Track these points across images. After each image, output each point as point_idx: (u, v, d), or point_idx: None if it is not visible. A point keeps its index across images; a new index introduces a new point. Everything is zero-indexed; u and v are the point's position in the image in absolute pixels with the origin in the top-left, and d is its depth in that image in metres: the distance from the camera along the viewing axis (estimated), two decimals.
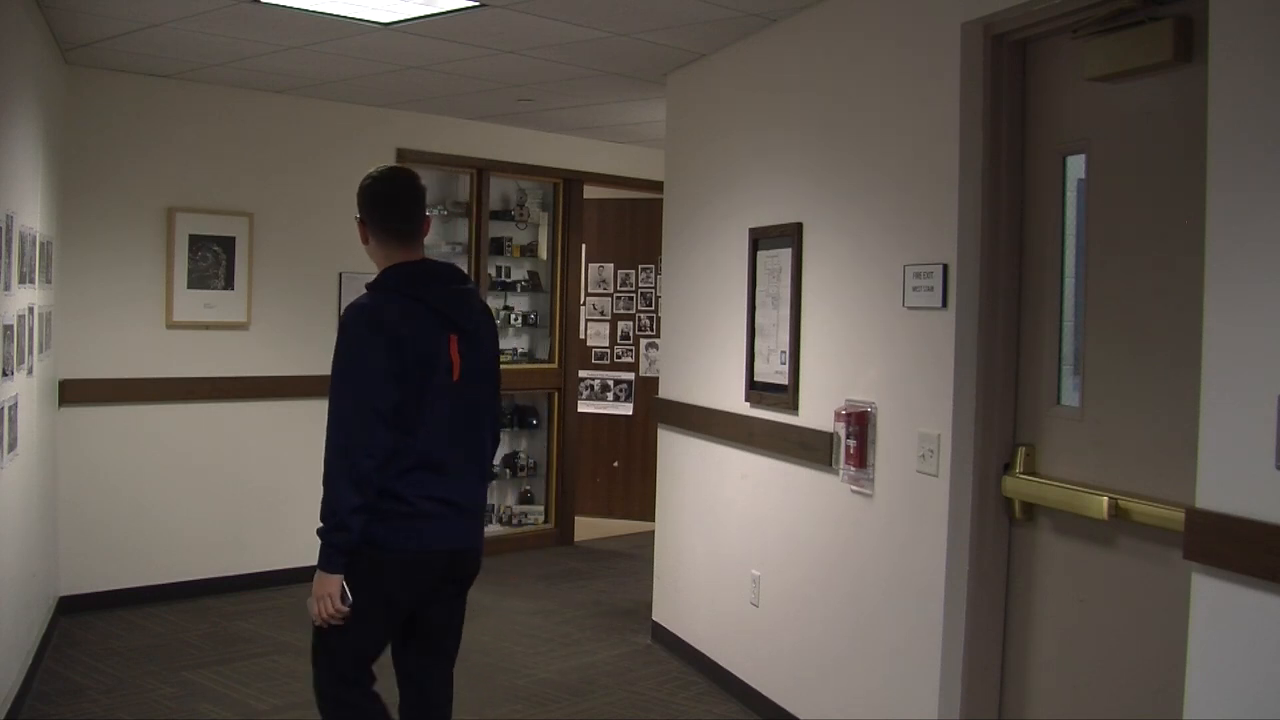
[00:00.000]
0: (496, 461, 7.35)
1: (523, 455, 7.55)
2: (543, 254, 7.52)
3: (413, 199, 2.83)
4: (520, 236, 7.46)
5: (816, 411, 3.93)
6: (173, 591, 5.64)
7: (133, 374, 5.56)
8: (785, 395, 4.13)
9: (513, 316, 7.42)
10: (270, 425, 5.93)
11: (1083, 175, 3.02)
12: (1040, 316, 3.15)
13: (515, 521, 7.41)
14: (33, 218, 4.19)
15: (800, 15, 4.11)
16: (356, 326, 2.66)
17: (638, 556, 6.78)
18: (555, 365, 7.47)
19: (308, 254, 6.02)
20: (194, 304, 5.72)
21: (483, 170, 6.95)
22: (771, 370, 4.25)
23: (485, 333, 2.88)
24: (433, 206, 7.00)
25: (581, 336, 8.03)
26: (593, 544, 7.50)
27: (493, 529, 7.25)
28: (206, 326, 5.77)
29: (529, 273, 7.52)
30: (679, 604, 5.07)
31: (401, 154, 6.45)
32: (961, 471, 3.22)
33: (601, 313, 8.34)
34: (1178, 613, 2.46)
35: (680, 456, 5.10)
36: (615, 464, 8.24)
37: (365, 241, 2.84)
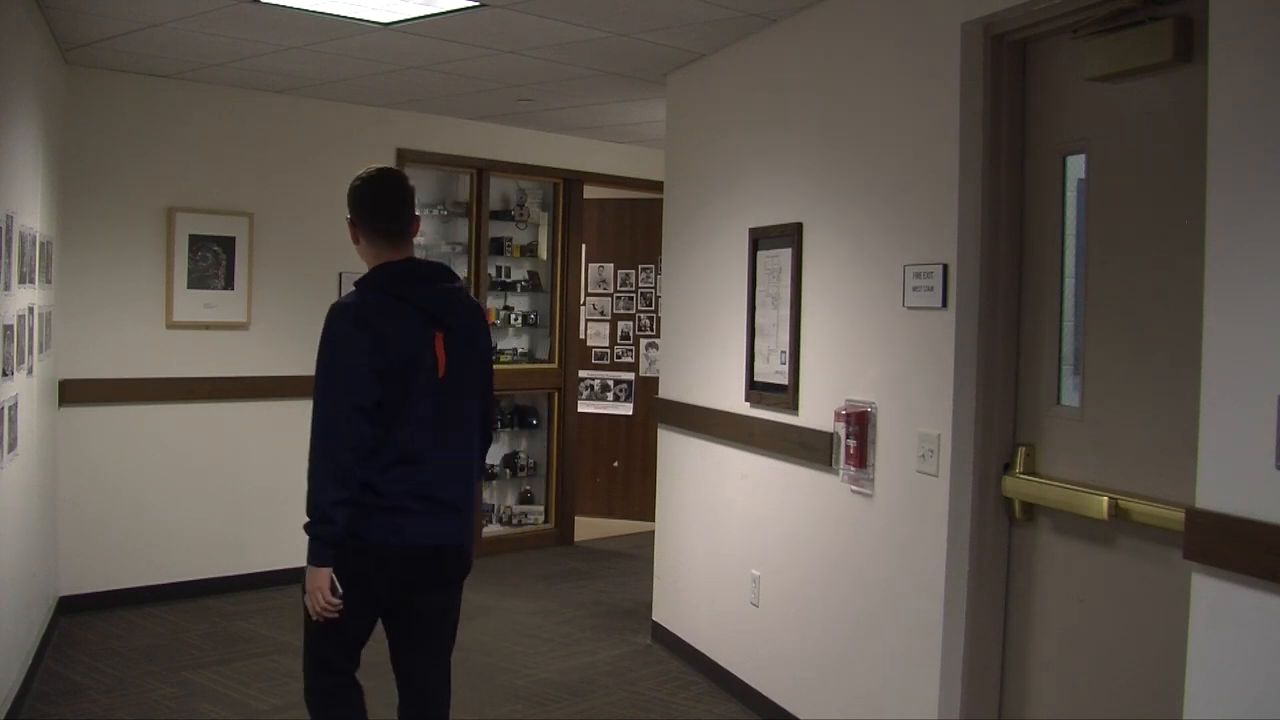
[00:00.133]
0: (496, 461, 7.37)
1: (523, 455, 7.54)
2: (543, 254, 7.52)
3: (401, 199, 2.88)
4: (520, 236, 7.46)
5: (816, 411, 3.93)
6: (173, 591, 5.64)
7: (133, 374, 5.56)
8: (785, 395, 4.13)
9: (513, 316, 7.42)
10: (270, 425, 5.93)
11: (1083, 175, 3.02)
12: (1040, 316, 3.15)
13: (515, 521, 7.41)
14: (33, 218, 4.19)
15: (800, 15, 4.11)
16: (339, 324, 2.71)
17: (638, 556, 6.78)
18: (555, 365, 7.47)
19: (308, 254, 6.03)
20: (194, 304, 5.72)
21: (483, 170, 6.95)
22: (771, 370, 4.25)
23: (473, 331, 2.90)
24: (433, 206, 7.01)
25: (581, 336, 8.03)
26: (593, 544, 7.50)
27: (493, 529, 7.25)
28: (206, 326, 5.77)
29: (529, 273, 7.52)
30: (679, 604, 5.07)
31: (401, 154, 6.45)
32: (961, 471, 3.22)
33: (601, 313, 8.35)
34: (1178, 613, 2.46)
35: (680, 456, 5.10)
36: (615, 464, 8.24)
37: (356, 241, 2.89)
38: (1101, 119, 2.94)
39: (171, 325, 5.66)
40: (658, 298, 7.92)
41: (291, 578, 5.58)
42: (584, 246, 7.84)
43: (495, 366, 7.76)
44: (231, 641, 5.03)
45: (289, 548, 5.72)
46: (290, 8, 4.24)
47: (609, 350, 8.33)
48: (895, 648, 3.47)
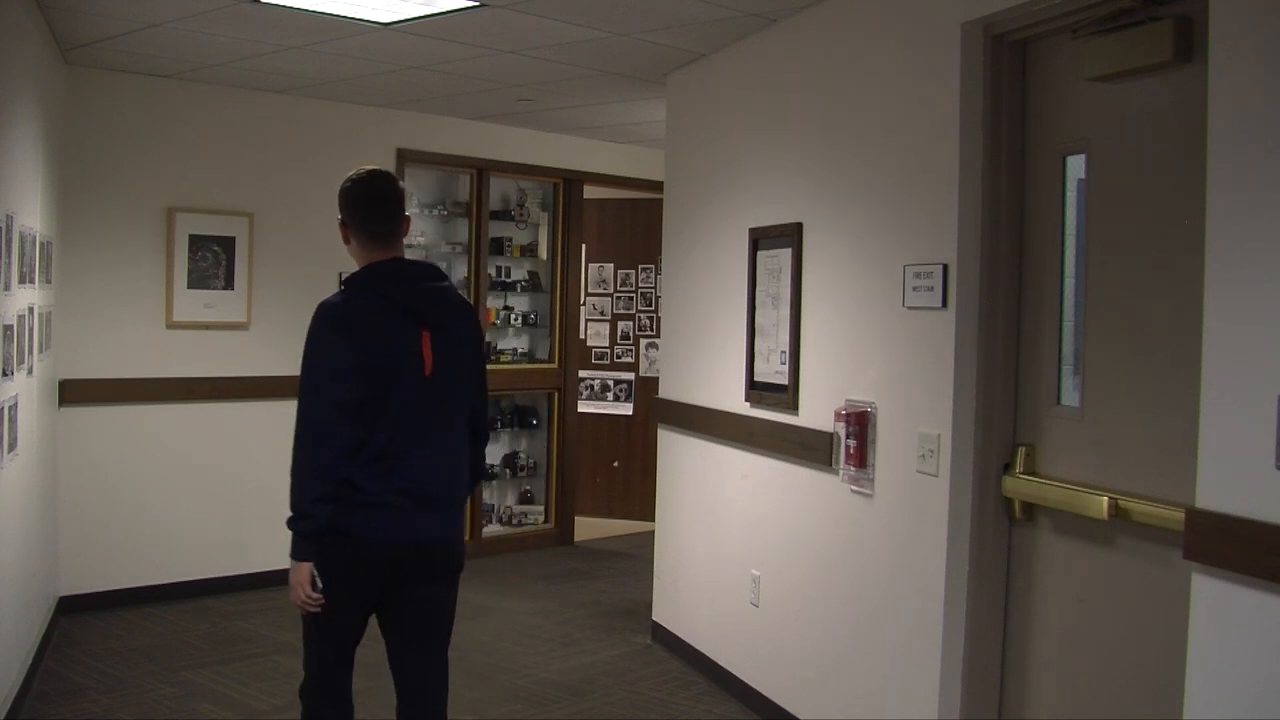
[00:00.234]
0: (496, 461, 7.36)
1: (523, 455, 7.54)
2: (543, 254, 7.52)
3: (391, 201, 2.90)
4: (520, 236, 7.46)
5: (816, 411, 3.93)
6: (173, 591, 5.64)
7: (133, 374, 5.56)
8: (785, 395, 4.13)
9: (513, 316, 7.42)
10: (270, 425, 5.91)
11: (1083, 175, 3.02)
12: (1040, 316, 3.15)
13: (515, 521, 7.41)
14: (33, 218, 4.19)
15: (800, 15, 4.11)
16: (322, 324, 2.76)
17: (638, 556, 6.78)
18: (555, 365, 7.47)
19: (308, 254, 6.02)
20: (194, 304, 5.72)
21: (483, 170, 6.95)
22: (771, 370, 4.25)
23: (461, 329, 2.91)
24: (433, 206, 7.01)
25: (581, 336, 8.03)
26: (593, 544, 7.50)
27: (493, 529, 7.25)
28: (206, 326, 5.77)
29: (529, 273, 7.52)
30: (679, 604, 5.07)
31: (401, 154, 6.45)
32: (961, 471, 3.22)
33: (601, 313, 8.34)
34: (1178, 613, 2.46)
35: (680, 456, 5.10)
36: (615, 464, 8.24)
37: (347, 242, 2.92)
38: (1101, 119, 2.94)
39: (171, 325, 5.66)
40: (658, 298, 7.92)
41: None
42: (584, 246, 7.84)
43: (496, 366, 7.79)
44: (231, 641, 5.03)
45: (289, 548, 5.74)
46: (290, 8, 4.24)
47: (609, 350, 8.33)
48: (895, 648, 3.47)
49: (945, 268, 3.26)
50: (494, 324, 7.27)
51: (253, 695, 4.37)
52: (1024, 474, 3.15)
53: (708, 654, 4.74)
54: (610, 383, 8.30)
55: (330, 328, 2.75)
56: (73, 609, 5.31)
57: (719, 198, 4.73)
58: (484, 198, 6.99)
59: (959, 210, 3.22)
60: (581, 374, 7.98)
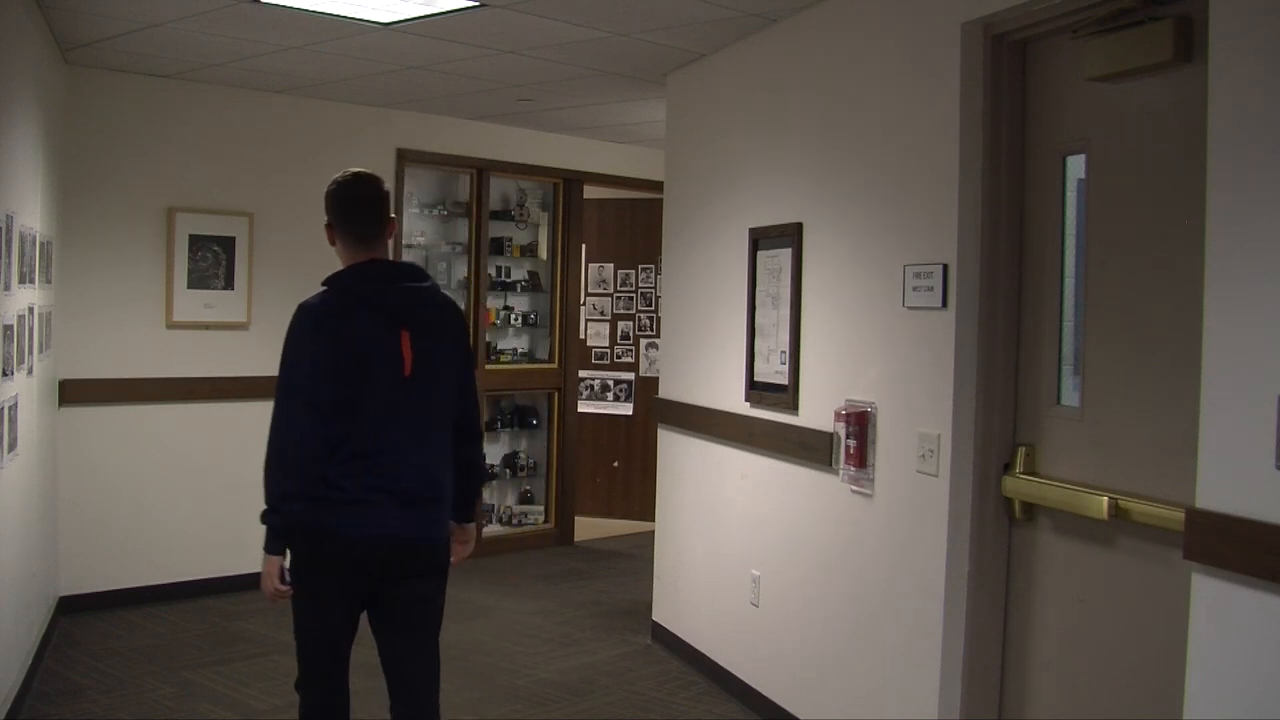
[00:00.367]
0: (496, 461, 7.36)
1: (523, 455, 7.55)
2: (543, 254, 7.52)
3: (375, 203, 2.91)
4: (520, 236, 7.46)
5: (816, 411, 3.93)
6: (173, 591, 5.64)
7: (133, 374, 5.56)
8: (785, 395, 4.13)
9: (513, 316, 7.42)
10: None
11: (1083, 175, 3.02)
12: (1040, 316, 3.15)
13: (515, 521, 7.41)
14: (33, 218, 4.19)
15: (800, 15, 4.11)
16: (298, 325, 2.81)
17: (638, 556, 6.78)
18: (555, 365, 7.47)
19: (308, 254, 5.98)
20: (194, 304, 5.72)
21: (483, 170, 6.95)
22: (771, 370, 4.25)
23: (443, 329, 2.92)
24: (433, 206, 7.01)
25: (581, 336, 8.03)
26: (593, 544, 7.50)
27: (493, 529, 7.25)
28: (206, 326, 5.77)
29: (529, 273, 7.52)
30: (679, 604, 5.07)
31: (401, 154, 6.45)
32: (961, 471, 3.22)
33: (601, 313, 8.35)
34: (1178, 613, 2.46)
35: (680, 456, 5.10)
36: (615, 464, 8.24)
37: (332, 243, 2.94)
38: (1101, 119, 2.94)
39: (171, 325, 5.66)
40: (658, 298, 7.92)
41: None
42: (584, 246, 7.84)
43: (496, 366, 7.78)
44: (231, 641, 5.03)
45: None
46: (290, 8, 4.24)
47: (609, 350, 8.33)
48: (895, 648, 3.47)
49: (945, 268, 3.26)
50: (494, 324, 7.27)
51: (253, 695, 4.37)
52: (1024, 474, 3.15)
53: (708, 654, 4.74)
54: (610, 383, 8.30)
55: (307, 328, 2.79)
56: (73, 609, 5.31)
57: (719, 198, 4.73)
58: (484, 198, 6.99)
59: (959, 210, 3.22)
60: (581, 374, 7.98)
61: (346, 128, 6.20)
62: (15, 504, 3.90)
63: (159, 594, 5.60)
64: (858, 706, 3.65)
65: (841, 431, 3.71)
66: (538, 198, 7.54)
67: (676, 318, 5.19)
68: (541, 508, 7.53)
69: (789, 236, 4.12)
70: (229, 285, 5.83)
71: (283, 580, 2.84)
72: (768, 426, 4.24)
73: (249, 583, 5.78)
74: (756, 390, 4.34)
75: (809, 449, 3.94)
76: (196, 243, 5.72)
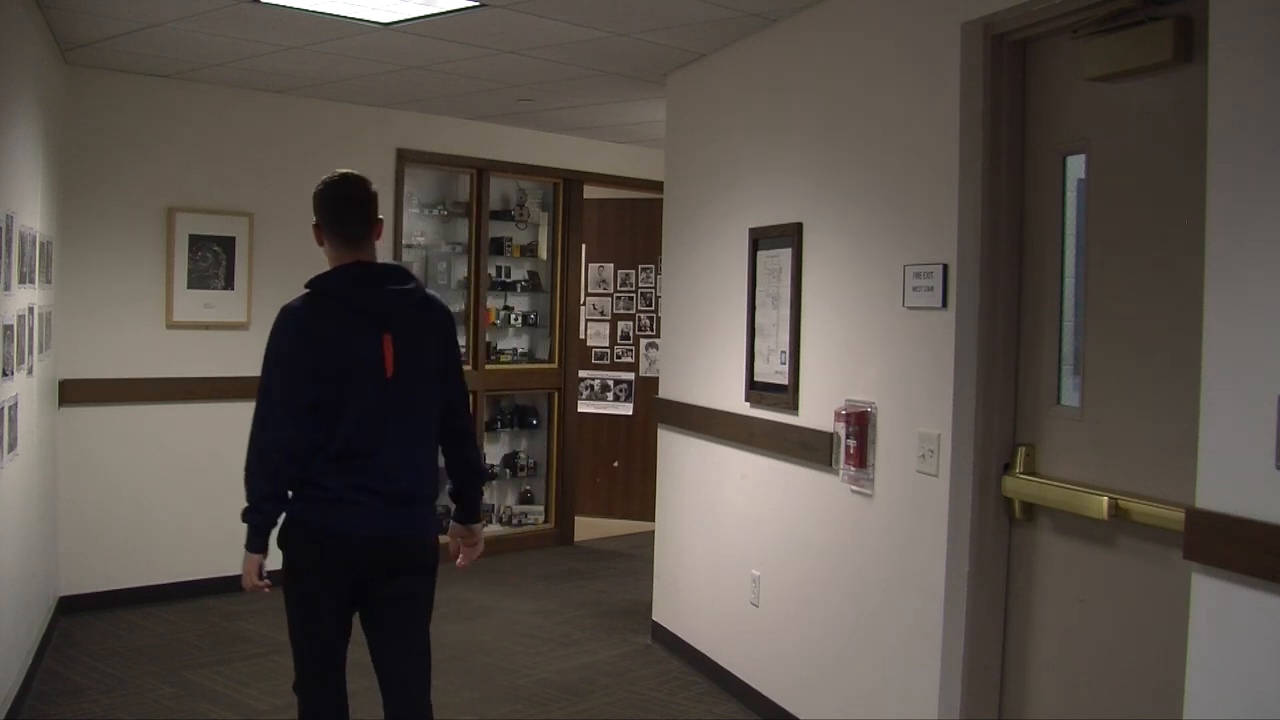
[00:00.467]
0: (496, 461, 7.36)
1: (523, 455, 7.55)
2: (543, 254, 7.52)
3: (363, 205, 2.92)
4: (520, 236, 7.46)
5: (816, 411, 3.93)
6: (173, 591, 5.64)
7: (133, 374, 5.56)
8: (785, 395, 4.13)
9: (513, 316, 7.42)
10: None
11: (1083, 175, 3.02)
12: (1040, 316, 3.15)
13: (515, 521, 7.41)
14: (33, 218, 4.19)
15: (800, 15, 4.11)
16: (281, 327, 2.85)
17: (638, 556, 6.78)
18: (555, 365, 7.47)
19: (308, 254, 5.92)
20: (194, 304, 5.72)
21: (483, 170, 6.95)
22: (771, 370, 4.25)
23: (427, 330, 2.92)
24: (433, 206, 7.00)
25: (581, 336, 8.03)
26: (593, 544, 7.50)
27: (493, 529, 7.25)
28: (206, 326, 5.77)
29: (529, 273, 7.52)
30: (679, 604, 5.07)
31: (401, 154, 6.45)
32: (961, 471, 3.22)
33: (601, 313, 8.35)
34: (1178, 613, 2.46)
35: (680, 456, 5.10)
36: (615, 464, 8.24)
37: (320, 244, 2.96)
38: (1101, 119, 2.94)
39: (171, 325, 5.66)
40: (658, 298, 7.92)
41: None
42: (584, 246, 7.84)
43: (496, 367, 7.77)
44: (231, 641, 5.04)
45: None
46: (290, 8, 4.24)
47: (609, 350, 8.33)
48: (895, 648, 3.47)
49: (945, 268, 3.26)
50: (494, 324, 7.27)
51: (253, 695, 4.37)
52: (1024, 474, 3.14)
53: (708, 654, 4.74)
54: (610, 383, 8.30)
55: (287, 330, 2.82)
56: (73, 609, 5.31)
57: (719, 198, 4.73)
58: (484, 198, 6.99)
59: (959, 210, 3.22)
60: (581, 374, 7.98)
61: (346, 128, 6.20)
62: (15, 504, 3.90)
63: (159, 594, 5.60)
64: (858, 706, 3.65)
65: (841, 431, 3.71)
66: (538, 198, 7.54)
67: (676, 318, 5.19)
68: (541, 508, 7.53)
69: (789, 236, 4.12)
70: (229, 285, 5.83)
71: (260, 577, 2.88)
72: (768, 426, 4.24)
73: None
74: (756, 390, 4.34)
75: (809, 449, 3.94)
76: (196, 243, 5.72)
